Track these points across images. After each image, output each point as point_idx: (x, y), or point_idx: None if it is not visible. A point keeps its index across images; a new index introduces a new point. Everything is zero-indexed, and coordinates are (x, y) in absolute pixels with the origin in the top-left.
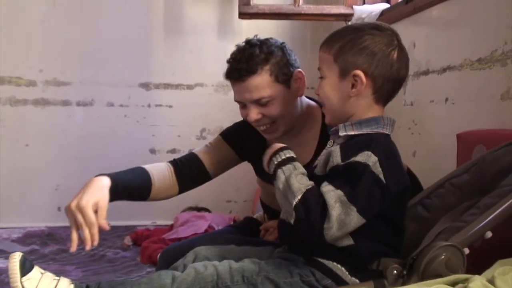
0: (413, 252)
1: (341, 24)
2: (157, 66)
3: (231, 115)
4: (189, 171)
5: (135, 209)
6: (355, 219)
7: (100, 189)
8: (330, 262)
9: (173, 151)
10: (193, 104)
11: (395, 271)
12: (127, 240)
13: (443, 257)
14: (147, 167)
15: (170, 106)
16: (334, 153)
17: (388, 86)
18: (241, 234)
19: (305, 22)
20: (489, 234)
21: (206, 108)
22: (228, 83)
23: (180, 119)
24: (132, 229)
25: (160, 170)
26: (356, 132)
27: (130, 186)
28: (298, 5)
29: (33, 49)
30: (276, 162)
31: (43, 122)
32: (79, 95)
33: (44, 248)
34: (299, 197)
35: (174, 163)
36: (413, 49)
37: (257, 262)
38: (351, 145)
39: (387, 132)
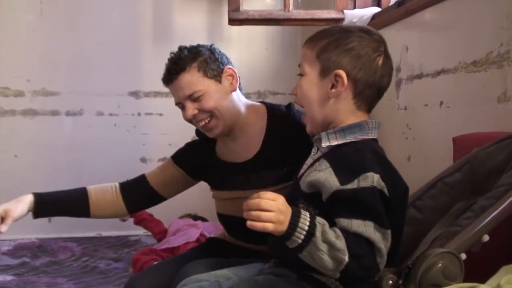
0: (407, 256)
1: None
2: (146, 74)
3: None
4: (136, 191)
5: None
6: (389, 240)
7: (16, 202)
8: (324, 276)
9: (164, 159)
10: None
11: (391, 282)
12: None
13: (439, 265)
14: (90, 186)
15: (161, 114)
16: (328, 178)
17: (369, 92)
18: (206, 256)
19: (296, 27)
20: (486, 237)
21: None
22: None
23: (171, 127)
24: (124, 239)
25: (101, 187)
26: (340, 142)
27: (60, 200)
28: (288, 11)
29: (21, 59)
30: (307, 226)
31: (32, 133)
32: (68, 105)
33: (35, 260)
34: (347, 252)
35: (122, 183)
36: (405, 52)
37: (248, 280)
38: (342, 162)
39: (372, 137)
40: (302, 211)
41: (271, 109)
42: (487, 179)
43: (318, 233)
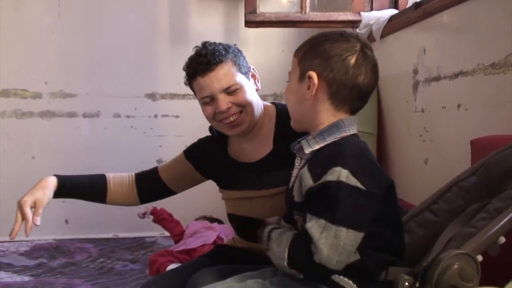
0: (422, 258)
1: (349, 31)
2: (163, 76)
3: None
4: (148, 184)
5: (144, 221)
6: (351, 237)
7: (41, 188)
8: (336, 276)
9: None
10: (200, 113)
11: (407, 283)
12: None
13: (456, 266)
14: (109, 174)
15: (177, 116)
16: (304, 175)
17: (344, 92)
18: (216, 263)
19: (312, 29)
20: (502, 239)
21: None
22: None
23: (187, 129)
24: (140, 241)
25: (120, 177)
26: (321, 145)
27: (80, 185)
28: (305, 13)
29: (39, 61)
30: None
31: (49, 135)
32: (85, 107)
33: (52, 261)
34: (286, 256)
35: (138, 173)
36: (423, 55)
37: (260, 283)
38: (318, 161)
39: (352, 133)
40: (266, 228)
41: (279, 109)
42: (502, 182)
43: (272, 243)
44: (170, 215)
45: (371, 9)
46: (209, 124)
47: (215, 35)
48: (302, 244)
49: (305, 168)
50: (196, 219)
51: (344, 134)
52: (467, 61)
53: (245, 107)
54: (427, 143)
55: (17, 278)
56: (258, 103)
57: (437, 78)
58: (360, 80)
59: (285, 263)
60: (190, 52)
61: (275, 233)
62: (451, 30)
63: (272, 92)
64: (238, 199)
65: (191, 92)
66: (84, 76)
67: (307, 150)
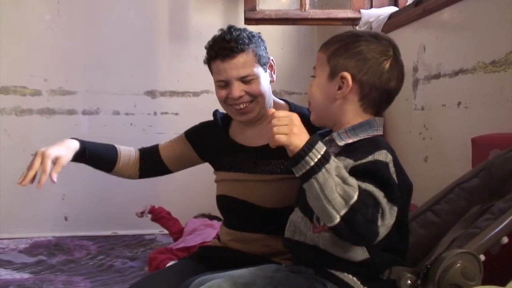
0: (424, 258)
1: (348, 28)
2: (162, 73)
3: None
4: (148, 159)
5: (143, 219)
6: (395, 217)
7: (66, 149)
8: (341, 273)
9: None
10: (199, 111)
11: (409, 281)
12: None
13: (458, 265)
14: (119, 146)
15: (176, 114)
16: (345, 163)
17: (375, 95)
18: (201, 265)
19: (312, 27)
20: (505, 239)
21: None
22: None
23: (186, 126)
24: (140, 238)
25: (128, 150)
26: (354, 139)
27: (97, 154)
28: (305, 10)
29: (38, 58)
30: (323, 152)
31: (48, 132)
32: (84, 104)
33: (52, 258)
34: (357, 191)
35: (141, 149)
36: (423, 52)
37: (264, 277)
38: (355, 150)
39: (380, 133)
40: (321, 143)
41: (292, 107)
42: (504, 184)
43: (332, 162)
44: (169, 213)
45: (371, 7)
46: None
47: (215, 32)
48: (369, 199)
49: (341, 159)
50: (195, 217)
51: (376, 133)
52: (467, 59)
53: (257, 97)
54: (427, 141)
55: (17, 275)
56: (270, 96)
57: (437, 76)
58: (391, 84)
59: (355, 197)
60: (190, 49)
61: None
62: (451, 27)
63: (272, 89)
64: (233, 180)
65: (191, 90)
66: (83, 73)
67: (340, 143)
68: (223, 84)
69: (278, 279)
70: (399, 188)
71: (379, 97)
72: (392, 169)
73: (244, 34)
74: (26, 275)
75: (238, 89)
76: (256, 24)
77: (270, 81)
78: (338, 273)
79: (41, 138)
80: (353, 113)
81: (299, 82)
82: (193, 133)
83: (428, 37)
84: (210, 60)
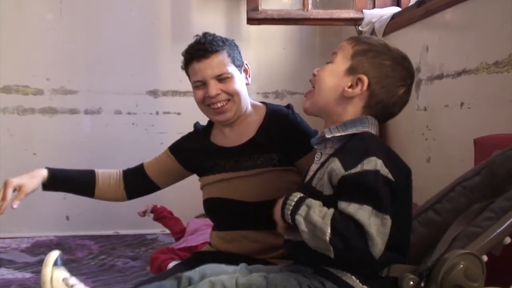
0: (425, 257)
1: (351, 29)
2: (164, 73)
3: None
4: (135, 179)
5: (144, 218)
6: (389, 225)
7: (31, 177)
8: (340, 271)
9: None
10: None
11: (412, 282)
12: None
13: (461, 266)
14: (98, 170)
15: (179, 113)
16: (334, 166)
17: (378, 109)
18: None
19: (314, 27)
20: (507, 240)
21: None
22: None
23: (188, 126)
24: (141, 238)
25: (108, 173)
26: (342, 133)
27: (71, 180)
28: (307, 10)
29: (40, 58)
30: (289, 211)
31: (50, 131)
32: (86, 103)
33: None
34: (328, 230)
35: (125, 170)
36: (425, 53)
37: (264, 276)
38: (346, 152)
39: (373, 132)
40: (291, 196)
41: (269, 106)
42: (505, 182)
43: (299, 216)
44: (171, 212)
45: (374, 7)
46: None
47: (217, 32)
48: (349, 226)
49: (333, 160)
50: (197, 217)
51: (366, 129)
52: (470, 60)
53: (233, 96)
54: (430, 142)
55: (18, 275)
56: (245, 96)
57: (440, 77)
58: (396, 109)
59: (327, 237)
60: None
61: (311, 200)
62: (454, 28)
63: (274, 90)
64: (217, 181)
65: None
66: (85, 72)
67: (328, 135)
68: (199, 85)
69: (277, 277)
70: (397, 185)
71: (380, 113)
72: (384, 170)
73: (218, 37)
74: (27, 275)
75: (214, 88)
76: (259, 24)
77: (246, 84)
78: (336, 272)
79: (43, 138)
80: (352, 114)
81: (301, 82)
82: (176, 145)
83: (431, 37)
84: (187, 64)
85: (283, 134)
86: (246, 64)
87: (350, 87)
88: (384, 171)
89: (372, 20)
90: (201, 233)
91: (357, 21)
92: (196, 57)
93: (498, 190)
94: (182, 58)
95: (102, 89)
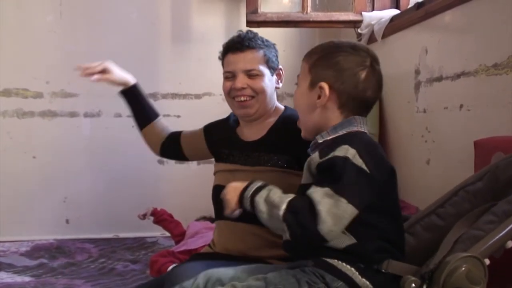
0: (428, 260)
1: (350, 31)
2: (164, 75)
3: None
4: (171, 141)
5: (144, 221)
6: (349, 210)
7: (121, 71)
8: (339, 262)
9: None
10: (201, 113)
11: (414, 285)
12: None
13: (463, 269)
14: (160, 117)
15: (178, 116)
16: (314, 157)
17: (352, 103)
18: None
19: (314, 29)
20: (510, 243)
21: (215, 117)
22: None
23: (188, 128)
24: (141, 241)
25: (166, 125)
26: (333, 136)
27: (143, 101)
28: (307, 13)
29: (40, 60)
30: (250, 195)
31: (50, 134)
32: (86, 106)
33: (53, 261)
34: (284, 206)
35: (172, 131)
36: (425, 55)
37: (262, 278)
38: (329, 145)
39: (363, 130)
40: (254, 183)
41: (287, 110)
42: (507, 186)
43: (259, 197)
44: (171, 215)
45: (373, 9)
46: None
47: (217, 35)
48: (303, 204)
49: (314, 155)
50: (197, 220)
51: (355, 129)
52: (469, 62)
53: (258, 94)
54: (429, 144)
55: (18, 279)
56: (271, 98)
57: (439, 79)
58: (368, 94)
59: (281, 212)
60: (192, 51)
61: (273, 187)
62: (453, 30)
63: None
64: (227, 170)
65: (193, 92)
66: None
67: (320, 140)
68: (229, 76)
69: (276, 278)
70: (373, 177)
71: (357, 106)
72: (358, 160)
73: (259, 37)
74: (27, 278)
75: (241, 81)
76: (258, 26)
77: (276, 88)
78: (335, 263)
79: (43, 141)
80: (334, 119)
81: None
82: (210, 127)
83: (430, 39)
84: (223, 54)
85: (292, 137)
86: (281, 69)
87: (318, 98)
88: (358, 160)
89: (371, 22)
90: (201, 236)
91: (356, 24)
92: (232, 49)
93: (501, 195)
94: (182, 60)
95: (101, 92)
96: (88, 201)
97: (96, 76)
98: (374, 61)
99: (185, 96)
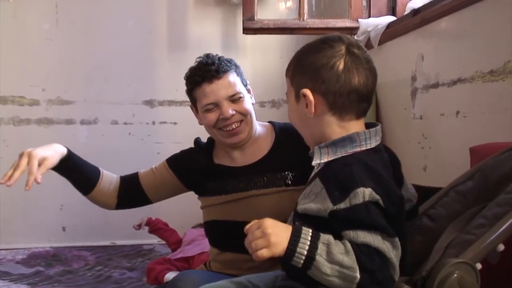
0: (419, 265)
1: None
2: (161, 83)
3: None
4: (128, 189)
5: (140, 230)
6: (400, 249)
7: (53, 151)
8: None
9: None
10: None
11: None
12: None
13: (455, 275)
14: (103, 171)
15: (175, 123)
16: (322, 197)
17: (342, 100)
18: None
19: (310, 36)
20: (501, 247)
21: None
22: None
23: (185, 136)
24: (138, 248)
25: (110, 176)
26: (331, 158)
27: (79, 169)
28: (303, 20)
29: (36, 68)
30: (305, 251)
31: (46, 142)
32: (83, 114)
33: (49, 269)
34: (357, 266)
35: (123, 176)
36: (421, 61)
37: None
38: (332, 179)
39: (365, 148)
40: (304, 231)
41: (277, 126)
42: (498, 186)
43: (319, 257)
44: (166, 224)
45: (369, 16)
46: (206, 132)
47: (213, 42)
48: (372, 258)
49: (324, 192)
50: (193, 227)
51: (357, 150)
52: (465, 68)
53: (246, 116)
54: (426, 150)
55: (14, 287)
56: (254, 116)
57: (436, 85)
58: (354, 82)
59: (358, 275)
60: (189, 58)
61: (324, 236)
62: (449, 37)
63: (271, 99)
64: (224, 203)
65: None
66: (81, 83)
67: (315, 162)
68: (211, 107)
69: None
70: (388, 210)
71: (347, 100)
72: (375, 197)
73: (223, 57)
74: (23, 286)
75: (229, 109)
76: (255, 33)
77: (251, 103)
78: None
79: None
80: (331, 125)
81: None
82: (176, 160)
83: (426, 46)
84: (194, 87)
85: (296, 149)
86: (249, 84)
87: (307, 107)
88: (374, 197)
89: (367, 29)
90: (197, 243)
91: (352, 30)
92: (207, 78)
93: (491, 194)
94: (179, 68)
95: (98, 99)
96: (84, 209)
97: (39, 176)
98: (350, 46)
99: (181, 103)
